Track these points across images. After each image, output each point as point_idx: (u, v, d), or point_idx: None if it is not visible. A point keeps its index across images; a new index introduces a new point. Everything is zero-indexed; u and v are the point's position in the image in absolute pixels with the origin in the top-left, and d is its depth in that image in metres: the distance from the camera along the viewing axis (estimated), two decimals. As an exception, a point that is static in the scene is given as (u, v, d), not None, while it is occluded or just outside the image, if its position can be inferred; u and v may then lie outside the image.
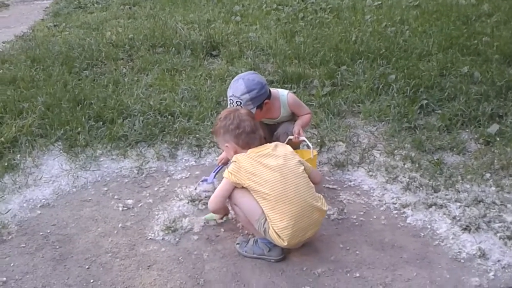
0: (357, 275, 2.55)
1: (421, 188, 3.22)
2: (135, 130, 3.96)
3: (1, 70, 5.27)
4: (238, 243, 2.82)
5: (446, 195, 3.14)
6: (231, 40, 6.16)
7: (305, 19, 7.23)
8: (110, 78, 4.96)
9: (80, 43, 6.04)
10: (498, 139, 3.70)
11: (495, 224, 2.84)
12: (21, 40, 6.78)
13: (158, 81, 4.96)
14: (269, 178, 2.55)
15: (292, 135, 3.20)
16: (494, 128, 3.80)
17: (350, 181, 3.40)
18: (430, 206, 3.04)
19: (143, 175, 3.58)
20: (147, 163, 3.70)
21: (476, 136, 3.80)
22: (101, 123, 4.08)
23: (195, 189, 3.29)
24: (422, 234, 2.84)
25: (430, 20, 6.62)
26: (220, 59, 5.68)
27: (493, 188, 3.19)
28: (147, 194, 3.36)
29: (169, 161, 3.74)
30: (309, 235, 2.65)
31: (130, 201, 3.28)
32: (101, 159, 3.75)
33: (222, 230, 2.95)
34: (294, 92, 4.11)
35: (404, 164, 3.51)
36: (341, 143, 3.83)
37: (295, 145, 3.22)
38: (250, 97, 3.00)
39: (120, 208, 3.21)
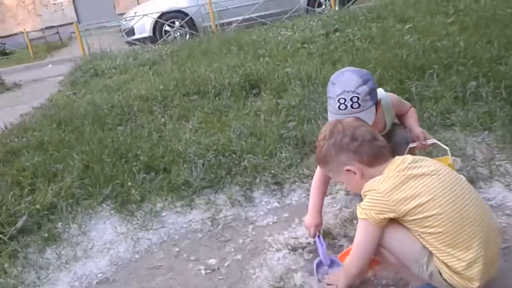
0: None
1: None
2: (197, 176, 3.24)
3: (24, 138, 4.62)
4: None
5: None
6: (270, 76, 5.57)
7: (338, 49, 6.70)
8: (151, 127, 4.30)
9: (107, 101, 5.44)
10: None
11: None
12: (41, 110, 6.20)
13: (204, 124, 4.31)
14: (432, 193, 1.80)
15: (413, 141, 2.48)
16: None
17: (489, 200, 2.63)
18: None
19: (219, 227, 2.86)
20: (220, 211, 2.99)
21: None
22: (153, 173, 3.37)
23: (318, 281, 2.33)
24: None
25: (478, 30, 6.06)
26: (265, 95, 5.06)
27: None
28: (232, 249, 2.64)
29: (246, 206, 3.02)
30: (495, 269, 1.86)
31: (212, 261, 2.55)
32: (164, 214, 3.03)
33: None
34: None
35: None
36: (454, 157, 3.07)
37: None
38: (369, 88, 2.30)
39: (203, 272, 2.46)
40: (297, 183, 3.12)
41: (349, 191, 2.91)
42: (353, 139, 1.97)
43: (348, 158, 1.99)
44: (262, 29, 9.19)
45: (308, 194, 2.92)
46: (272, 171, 3.24)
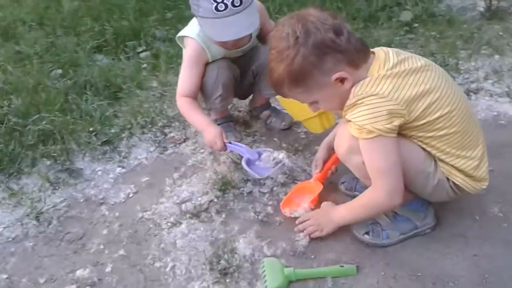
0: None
1: None
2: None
3: None
4: (366, 233, 1.60)
5: None
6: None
7: None
8: None
9: None
10: None
11: None
12: None
13: None
14: (438, 89, 1.43)
15: None
16: None
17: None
18: None
19: (54, 222, 1.82)
20: (39, 200, 1.89)
21: None
22: None
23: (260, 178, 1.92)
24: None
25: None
26: None
27: None
28: (105, 251, 1.67)
29: (77, 183, 2.01)
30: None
31: (83, 273, 1.54)
32: None
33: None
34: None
35: None
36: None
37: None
38: None
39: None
40: (134, 137, 2.26)
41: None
42: (338, 33, 1.38)
43: (335, 62, 1.39)
44: None
45: (159, 145, 2.24)
46: (90, 129, 2.26)
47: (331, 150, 1.81)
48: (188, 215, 1.81)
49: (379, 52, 1.46)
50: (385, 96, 1.36)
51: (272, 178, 1.93)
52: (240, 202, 1.87)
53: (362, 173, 1.50)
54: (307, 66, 1.37)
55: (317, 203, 1.76)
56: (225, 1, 1.79)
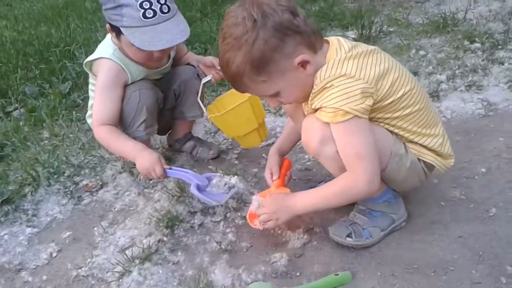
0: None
1: None
2: None
3: None
4: (347, 235, 1.49)
5: None
6: None
7: None
8: None
9: None
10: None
11: None
12: None
13: None
14: (396, 67, 1.41)
15: (204, 74, 1.97)
16: None
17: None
18: None
19: None
20: None
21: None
22: None
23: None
24: None
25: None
26: None
27: None
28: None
29: None
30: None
31: None
32: None
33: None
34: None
35: None
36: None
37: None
38: None
39: None
40: (39, 191, 1.88)
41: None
42: (295, 14, 1.28)
43: (295, 45, 1.28)
44: None
45: (71, 195, 1.93)
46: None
47: (282, 156, 1.73)
48: (137, 261, 1.51)
49: (332, 39, 1.41)
50: (353, 76, 1.29)
51: (222, 206, 1.73)
52: (194, 236, 1.64)
53: (337, 165, 1.39)
54: (268, 51, 1.25)
55: None
56: (153, 7, 1.64)
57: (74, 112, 2.61)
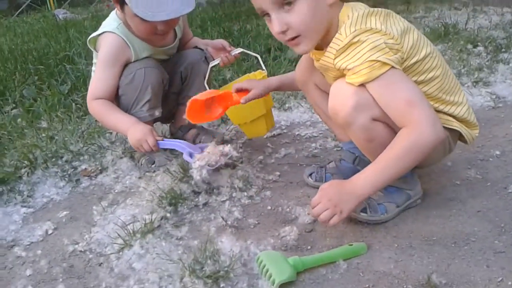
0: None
1: None
2: None
3: None
4: (362, 210, 1.41)
5: None
6: None
7: None
8: None
9: None
10: None
11: None
12: None
13: None
14: (413, 29, 1.34)
15: (213, 59, 1.91)
16: None
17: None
18: None
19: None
20: None
21: None
22: None
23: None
24: None
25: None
26: None
27: None
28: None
29: None
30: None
31: None
32: None
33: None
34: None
35: None
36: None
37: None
38: None
39: None
40: (36, 174, 1.80)
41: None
42: None
43: None
44: None
45: (69, 179, 1.85)
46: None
47: (268, 91, 1.71)
48: (138, 235, 1.43)
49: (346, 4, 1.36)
50: (379, 30, 1.22)
51: (227, 186, 1.65)
52: (198, 213, 1.56)
53: (368, 136, 1.30)
54: None
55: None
56: None
57: (73, 109, 2.56)
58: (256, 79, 1.78)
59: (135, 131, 1.65)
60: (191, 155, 1.61)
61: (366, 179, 1.26)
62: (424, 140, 1.20)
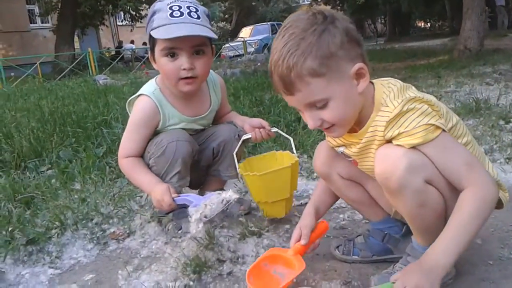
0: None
1: None
2: None
3: None
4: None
5: None
6: None
7: None
8: None
9: None
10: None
11: None
12: None
13: None
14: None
15: (244, 132, 1.93)
16: None
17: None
18: None
19: None
20: None
21: None
22: None
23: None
24: None
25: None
26: None
27: None
28: None
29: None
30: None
31: None
32: None
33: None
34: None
35: None
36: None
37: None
38: (207, 11, 1.83)
39: None
40: (65, 235, 1.83)
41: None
42: (356, 28, 1.29)
43: (357, 54, 1.25)
44: None
45: (97, 241, 1.84)
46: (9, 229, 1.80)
47: (317, 218, 1.58)
48: (163, 304, 1.42)
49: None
50: (422, 98, 1.25)
51: (253, 256, 1.64)
52: (222, 283, 1.54)
53: (419, 201, 1.25)
54: (334, 45, 1.20)
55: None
56: (181, 10, 1.71)
57: (106, 172, 2.63)
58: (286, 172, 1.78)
59: (155, 193, 1.70)
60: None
61: (446, 249, 1.20)
62: (491, 197, 1.21)
